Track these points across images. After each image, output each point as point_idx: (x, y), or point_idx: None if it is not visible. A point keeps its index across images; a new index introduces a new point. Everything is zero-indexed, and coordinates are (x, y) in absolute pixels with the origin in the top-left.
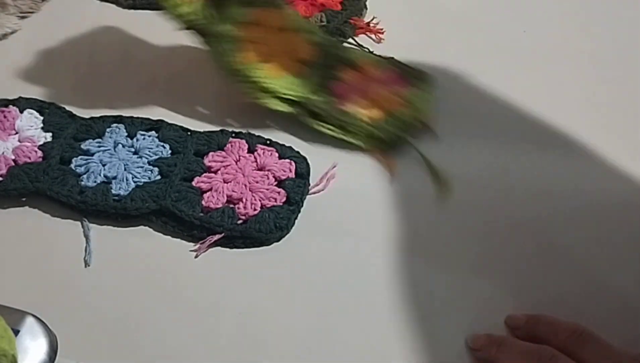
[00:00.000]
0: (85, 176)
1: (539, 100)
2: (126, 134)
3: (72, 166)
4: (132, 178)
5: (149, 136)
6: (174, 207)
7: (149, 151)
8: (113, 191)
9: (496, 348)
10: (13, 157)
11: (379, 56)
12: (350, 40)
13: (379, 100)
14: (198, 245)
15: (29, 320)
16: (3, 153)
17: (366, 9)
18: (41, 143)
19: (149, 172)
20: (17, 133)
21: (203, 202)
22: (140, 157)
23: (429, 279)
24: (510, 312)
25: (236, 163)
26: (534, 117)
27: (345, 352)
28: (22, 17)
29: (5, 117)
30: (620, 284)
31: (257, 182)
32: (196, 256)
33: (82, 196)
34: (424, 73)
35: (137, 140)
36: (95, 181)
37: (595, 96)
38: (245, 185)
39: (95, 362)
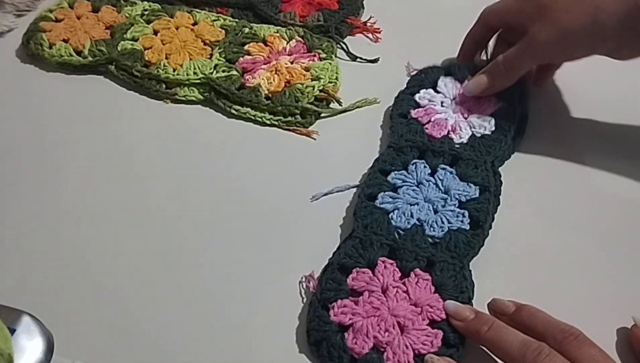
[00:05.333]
0: (394, 214)
1: (536, 99)
2: (429, 171)
3: (379, 202)
4: (447, 222)
5: (449, 172)
6: None
7: (457, 193)
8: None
9: (487, 328)
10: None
11: (292, 28)
12: (276, 15)
13: (283, 71)
14: None
15: (25, 319)
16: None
17: (363, 8)
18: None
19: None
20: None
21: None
22: (450, 198)
23: None
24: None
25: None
26: (532, 116)
27: None
28: (19, 15)
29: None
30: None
31: (410, 322)
32: None
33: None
34: (331, 45)
35: (440, 178)
36: (408, 223)
37: (593, 95)
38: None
39: (91, 360)
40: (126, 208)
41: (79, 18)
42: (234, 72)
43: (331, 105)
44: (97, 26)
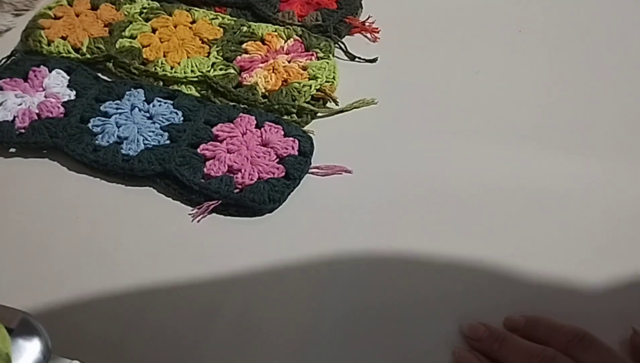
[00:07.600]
0: (100, 135)
1: (535, 99)
2: (144, 99)
3: (90, 125)
4: (143, 140)
5: (165, 103)
6: (176, 171)
7: (162, 117)
8: (123, 151)
9: (499, 343)
10: (37, 111)
11: (290, 27)
12: (275, 15)
13: (280, 70)
14: (195, 210)
15: (24, 319)
16: (29, 107)
17: (362, 7)
18: (65, 100)
19: (160, 136)
20: (44, 90)
21: (205, 169)
22: (154, 122)
23: (421, 277)
24: (507, 314)
25: (242, 135)
26: (531, 117)
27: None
28: (17, 15)
29: (35, 75)
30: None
31: (258, 156)
32: (194, 221)
33: (94, 155)
34: (328, 44)
35: (153, 106)
36: (108, 141)
37: (591, 95)
38: (247, 158)
39: (89, 360)
40: (126, 206)
41: (77, 16)
42: (231, 71)
43: (328, 105)
44: (96, 24)
